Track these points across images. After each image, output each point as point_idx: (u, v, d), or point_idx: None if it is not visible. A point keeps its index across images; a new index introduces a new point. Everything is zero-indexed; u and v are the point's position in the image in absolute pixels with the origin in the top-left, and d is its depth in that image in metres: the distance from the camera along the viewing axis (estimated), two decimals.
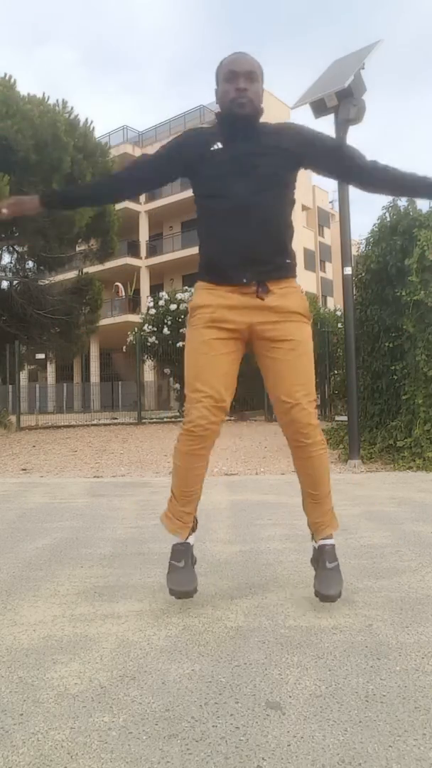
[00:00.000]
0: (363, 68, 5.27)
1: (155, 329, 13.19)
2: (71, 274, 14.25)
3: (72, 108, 11.28)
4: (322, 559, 1.85)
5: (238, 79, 1.82)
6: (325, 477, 1.90)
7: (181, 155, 1.91)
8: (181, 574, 1.81)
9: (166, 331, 12.85)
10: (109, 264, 16.02)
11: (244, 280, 1.79)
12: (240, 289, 1.80)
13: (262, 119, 1.90)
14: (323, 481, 1.89)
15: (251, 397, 11.60)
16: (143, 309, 16.51)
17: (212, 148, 1.85)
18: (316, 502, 1.90)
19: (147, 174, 1.97)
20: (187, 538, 1.88)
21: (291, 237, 1.90)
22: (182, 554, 1.84)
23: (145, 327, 13.48)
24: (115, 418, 14.73)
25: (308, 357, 1.84)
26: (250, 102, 1.82)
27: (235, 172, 1.80)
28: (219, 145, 1.85)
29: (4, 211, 1.95)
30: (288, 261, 1.87)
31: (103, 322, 15.80)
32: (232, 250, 1.80)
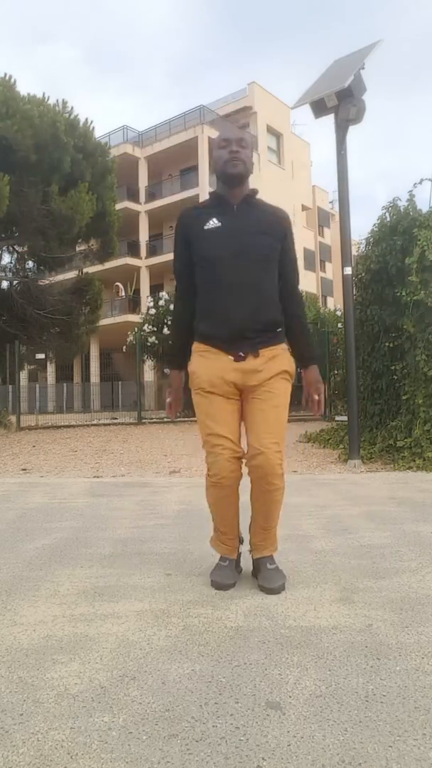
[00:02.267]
0: (363, 68, 5.27)
1: (155, 329, 13.20)
2: (71, 274, 14.25)
3: (72, 108, 11.29)
4: (264, 563, 2.05)
5: (231, 145, 2.00)
6: (277, 512, 2.03)
7: (187, 235, 2.06)
8: (225, 570, 2.08)
9: (166, 331, 12.86)
10: (109, 264, 15.98)
11: (241, 354, 1.97)
12: (231, 355, 1.98)
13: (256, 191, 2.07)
14: (274, 516, 2.03)
15: None
16: (143, 309, 16.53)
17: (206, 227, 2.00)
18: (264, 530, 2.05)
19: (191, 279, 2.09)
20: (237, 555, 2.14)
21: (280, 309, 2.05)
22: (228, 560, 2.10)
23: (145, 327, 13.50)
24: (115, 418, 14.73)
25: (282, 409, 1.99)
26: (242, 163, 2.00)
27: (230, 252, 1.96)
28: (215, 222, 2.00)
29: (172, 411, 2.27)
30: (279, 330, 2.04)
31: (103, 322, 15.78)
32: (227, 326, 1.97)
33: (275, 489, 1.95)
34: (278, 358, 2.01)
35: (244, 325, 1.96)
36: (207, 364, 2.01)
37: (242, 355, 1.97)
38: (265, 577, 2.01)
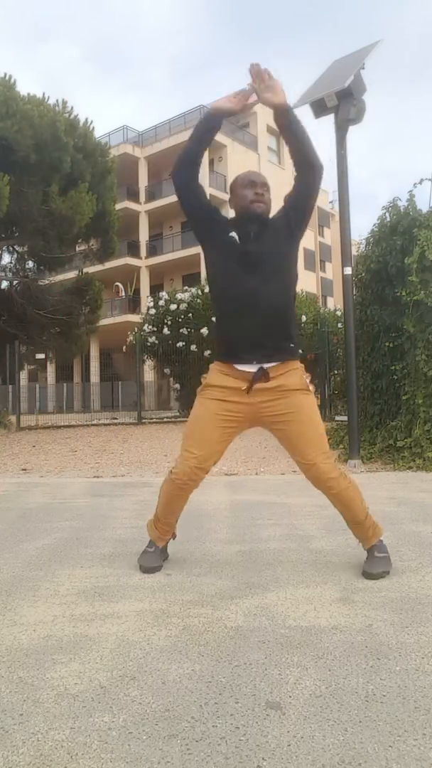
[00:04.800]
0: (363, 68, 5.26)
1: (155, 329, 13.18)
2: (71, 274, 14.23)
3: (72, 108, 11.27)
4: (372, 552, 2.18)
5: (257, 187, 2.11)
6: (359, 506, 2.14)
7: (212, 219, 2.16)
8: (151, 555, 2.28)
9: (166, 331, 12.84)
10: (109, 264, 16.00)
11: (254, 362, 2.05)
12: (246, 374, 2.06)
13: None
14: (358, 510, 2.14)
15: None
16: (143, 309, 16.51)
17: (230, 234, 2.10)
18: (357, 524, 2.17)
19: (198, 190, 2.18)
20: (165, 543, 2.33)
21: (295, 322, 2.16)
22: (154, 544, 2.30)
23: (145, 327, 13.47)
24: (115, 418, 14.72)
25: (314, 420, 2.09)
26: (265, 204, 2.11)
27: (247, 267, 2.05)
28: (234, 236, 2.09)
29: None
30: (292, 345, 2.12)
31: (103, 322, 15.77)
32: (243, 338, 2.06)
33: (340, 490, 2.09)
34: (292, 377, 2.09)
35: (259, 334, 2.04)
36: (223, 379, 2.10)
37: (254, 372, 2.03)
38: (370, 562, 2.14)
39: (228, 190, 2.28)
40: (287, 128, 2.06)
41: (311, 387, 2.13)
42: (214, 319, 2.26)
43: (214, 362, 2.18)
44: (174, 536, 2.38)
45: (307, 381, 2.13)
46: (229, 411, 2.08)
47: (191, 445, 2.13)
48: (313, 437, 2.07)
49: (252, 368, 2.05)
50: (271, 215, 2.16)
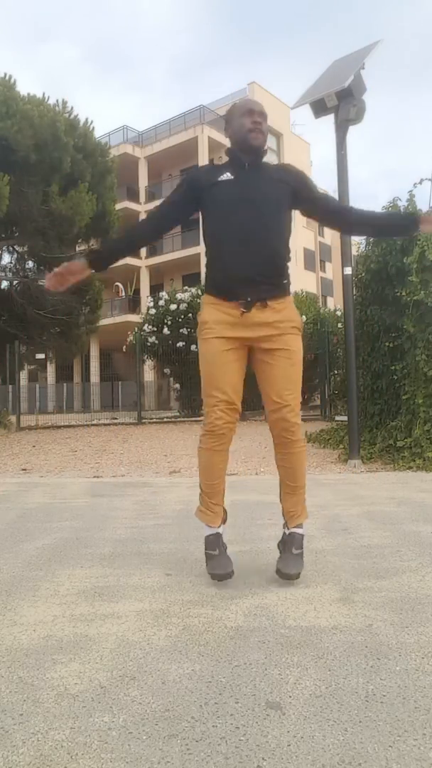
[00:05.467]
0: (363, 68, 5.27)
1: (155, 329, 13.19)
2: None
3: (72, 108, 11.29)
4: (290, 544, 2.10)
5: (254, 115, 2.08)
6: (302, 471, 2.13)
7: (193, 189, 2.10)
8: (218, 560, 2.07)
9: (166, 331, 12.85)
10: None
11: (249, 299, 2.00)
12: (241, 306, 2.02)
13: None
14: (300, 474, 2.13)
15: (251, 398, 11.59)
16: (143, 309, 16.52)
17: (221, 178, 2.06)
18: (292, 493, 2.13)
19: (164, 221, 2.16)
20: (219, 527, 2.14)
21: (289, 258, 2.10)
22: (215, 543, 2.11)
23: (145, 327, 13.49)
24: (115, 418, 14.72)
25: (299, 366, 2.08)
26: (263, 135, 2.08)
27: (243, 199, 2.01)
28: (228, 176, 2.05)
29: (50, 283, 2.12)
30: (285, 281, 2.09)
31: (103, 322, 15.78)
32: (238, 271, 2.01)
33: (297, 440, 2.06)
34: (287, 311, 2.06)
35: (254, 268, 2.00)
36: (217, 313, 2.05)
37: (249, 300, 2.00)
38: (286, 561, 2.05)
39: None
40: (399, 235, 2.18)
41: (302, 326, 2.12)
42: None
43: (204, 295, 2.14)
44: (225, 519, 2.20)
45: (299, 318, 2.11)
46: (232, 344, 2.04)
47: (214, 391, 2.04)
48: (295, 380, 2.05)
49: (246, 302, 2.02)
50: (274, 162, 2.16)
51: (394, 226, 2.26)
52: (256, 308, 2.01)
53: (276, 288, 2.05)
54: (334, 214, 2.20)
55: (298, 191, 2.10)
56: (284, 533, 2.17)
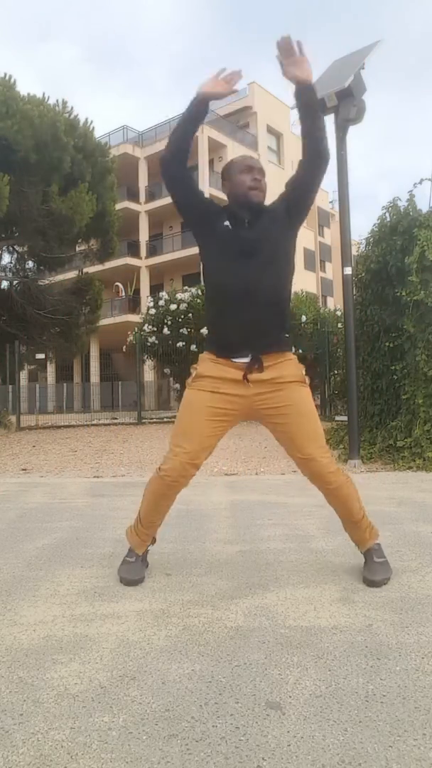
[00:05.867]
0: (363, 68, 5.27)
1: (155, 329, 13.18)
2: (71, 274, 14.23)
3: (72, 108, 11.28)
4: (371, 556, 2.12)
5: (254, 172, 2.07)
6: (356, 505, 2.10)
7: (205, 209, 2.09)
8: (133, 565, 2.13)
9: (166, 331, 12.84)
10: (109, 264, 15.99)
11: (250, 355, 1.98)
12: (240, 365, 1.99)
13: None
14: (355, 509, 2.10)
15: None
16: (143, 309, 16.51)
17: (224, 223, 2.03)
18: (354, 524, 2.13)
19: (191, 182, 2.12)
20: (144, 551, 2.19)
21: (289, 313, 2.10)
22: (134, 554, 2.16)
23: (145, 327, 13.47)
24: (115, 418, 14.72)
25: (310, 414, 2.04)
26: (263, 192, 2.08)
27: (242, 255, 1.98)
28: (228, 225, 2.03)
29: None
30: (286, 336, 2.07)
31: (103, 322, 15.78)
32: (237, 327, 1.99)
33: (338, 485, 2.04)
34: (286, 368, 2.02)
35: (253, 323, 1.97)
36: (216, 371, 2.01)
37: (248, 361, 1.97)
38: (370, 568, 2.08)
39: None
40: (306, 106, 2.01)
41: (307, 379, 2.08)
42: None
43: (204, 352, 2.10)
44: (154, 541, 2.25)
45: (303, 372, 2.07)
46: (222, 403, 1.99)
47: (182, 440, 2.00)
48: (311, 431, 2.01)
49: (245, 359, 1.99)
50: (267, 203, 2.10)
51: (300, 109, 2.06)
52: (254, 372, 1.98)
53: (276, 343, 2.02)
54: (306, 166, 2.05)
55: (286, 197, 2.08)
56: (362, 553, 2.17)
